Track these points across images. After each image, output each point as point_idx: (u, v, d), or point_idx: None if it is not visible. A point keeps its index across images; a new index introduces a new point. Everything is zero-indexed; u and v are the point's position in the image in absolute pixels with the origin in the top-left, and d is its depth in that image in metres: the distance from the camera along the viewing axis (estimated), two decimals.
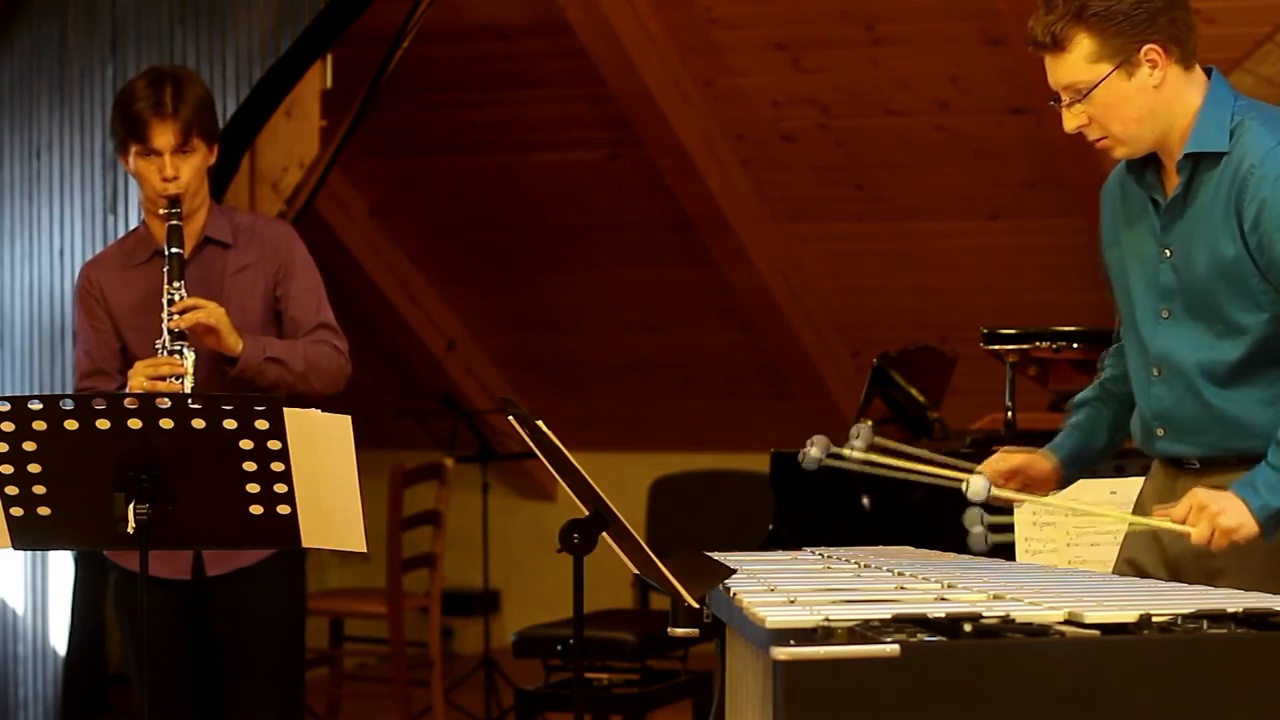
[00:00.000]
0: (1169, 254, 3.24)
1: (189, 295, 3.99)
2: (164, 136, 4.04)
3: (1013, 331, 5.17)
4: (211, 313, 3.97)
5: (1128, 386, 3.45)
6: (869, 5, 7.13)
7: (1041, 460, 3.43)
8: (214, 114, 4.18)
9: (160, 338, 3.97)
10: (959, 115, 7.33)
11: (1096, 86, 3.16)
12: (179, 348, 3.94)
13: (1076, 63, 3.17)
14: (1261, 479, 3.09)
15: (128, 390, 3.93)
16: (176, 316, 3.95)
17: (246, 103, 5.63)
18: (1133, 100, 3.17)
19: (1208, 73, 3.25)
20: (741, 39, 7.39)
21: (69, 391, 5.74)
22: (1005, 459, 3.41)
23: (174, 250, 4.02)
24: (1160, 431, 3.29)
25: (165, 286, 4.00)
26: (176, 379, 3.91)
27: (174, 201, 4.06)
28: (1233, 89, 3.25)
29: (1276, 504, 3.08)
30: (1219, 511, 3.08)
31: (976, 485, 3.24)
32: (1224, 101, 3.20)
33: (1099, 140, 3.23)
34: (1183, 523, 3.12)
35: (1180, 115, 3.20)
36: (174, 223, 4.05)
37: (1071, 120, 3.22)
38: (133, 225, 5.74)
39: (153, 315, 4.04)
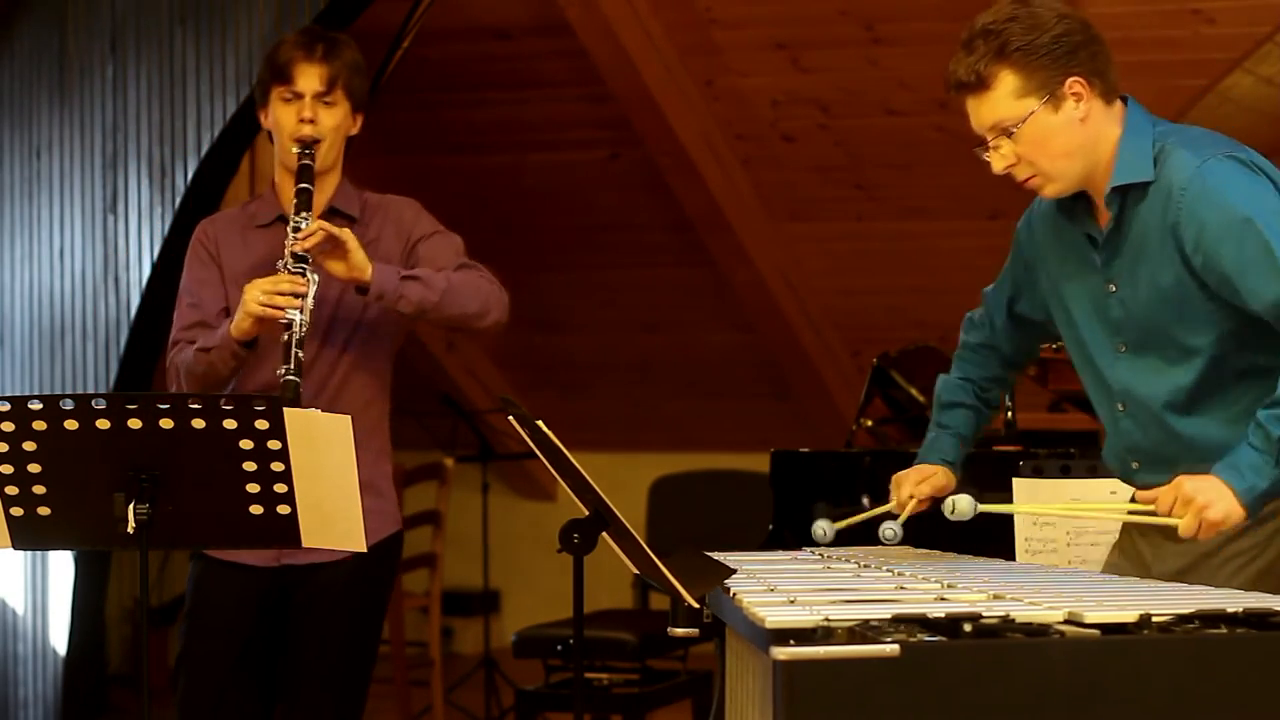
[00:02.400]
0: (1114, 289, 3.25)
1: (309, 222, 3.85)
2: (308, 79, 3.95)
3: None
4: (340, 232, 3.81)
5: (996, 391, 3.61)
6: (869, 5, 7.13)
7: (944, 476, 3.54)
8: (365, 80, 4.07)
9: (282, 261, 3.81)
10: (959, 115, 7.26)
11: (1024, 122, 3.17)
12: (301, 269, 3.79)
13: (1001, 99, 3.18)
14: (1245, 460, 3.07)
15: (244, 305, 3.78)
16: (300, 241, 3.80)
17: (246, 103, 5.63)
18: (1060, 134, 3.18)
19: (1125, 102, 3.26)
20: (741, 39, 7.40)
21: (70, 390, 5.76)
22: (916, 489, 3.50)
23: (303, 185, 3.89)
24: (1135, 464, 3.30)
25: (292, 217, 3.85)
26: (297, 297, 3.76)
27: (308, 144, 3.94)
28: (1150, 115, 3.25)
29: (1263, 485, 3.06)
30: (1205, 505, 3.05)
31: (963, 505, 3.27)
32: (1143, 129, 3.20)
33: (1028, 179, 3.23)
34: (1169, 514, 3.11)
35: (1104, 149, 3.20)
36: (306, 162, 3.92)
37: (999, 161, 3.23)
38: (132, 225, 5.76)
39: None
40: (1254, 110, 6.98)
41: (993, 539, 4.12)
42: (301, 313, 3.76)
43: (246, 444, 3.33)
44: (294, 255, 3.80)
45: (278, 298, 3.76)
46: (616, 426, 9.02)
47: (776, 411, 8.89)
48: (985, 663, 2.32)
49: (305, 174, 3.92)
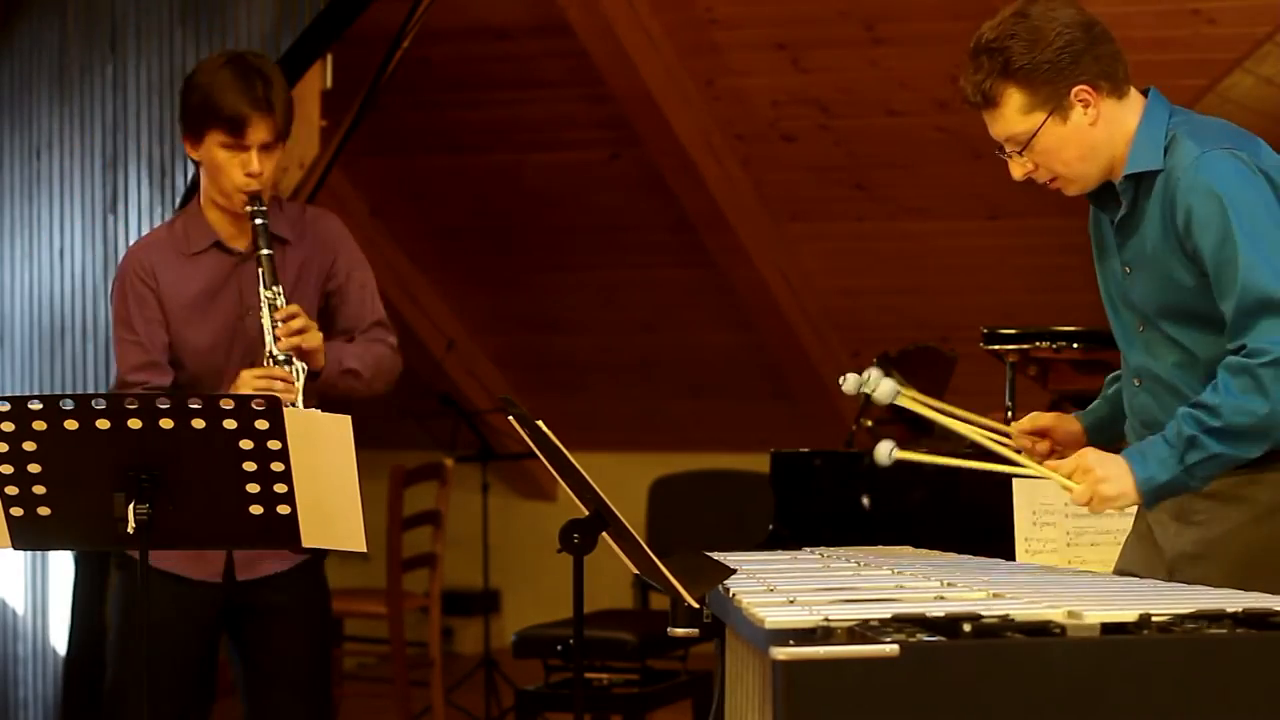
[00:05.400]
0: (1129, 271, 3.31)
1: (284, 300, 3.87)
2: (260, 133, 3.89)
3: (1013, 331, 5.17)
4: (314, 336, 3.89)
5: None
6: (869, 5, 7.13)
7: (1069, 423, 3.47)
8: (291, 101, 4.01)
9: (265, 351, 3.85)
10: (959, 115, 7.31)
11: (1034, 136, 3.22)
12: (287, 357, 3.83)
13: (1010, 116, 3.23)
14: (1153, 452, 3.15)
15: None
16: (281, 329, 3.83)
17: None
18: (1071, 142, 3.23)
19: (1146, 92, 3.30)
20: (741, 39, 7.39)
21: (70, 390, 5.75)
22: (1035, 419, 3.45)
23: (266, 252, 3.88)
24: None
25: (261, 291, 3.86)
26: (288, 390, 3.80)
27: (256, 198, 3.90)
28: (1169, 105, 3.29)
29: (1162, 479, 3.13)
30: (1102, 478, 3.15)
31: (884, 389, 3.24)
32: (1158, 120, 3.25)
33: (1050, 182, 3.30)
34: (1068, 477, 3.19)
35: (1121, 142, 3.25)
36: (260, 221, 3.89)
37: (1018, 169, 3.30)
38: (133, 225, 5.75)
39: (210, 310, 3.96)
40: (1254, 110, 6.98)
41: (993, 539, 4.13)
42: (296, 404, 3.79)
43: (246, 444, 3.33)
44: (275, 340, 3.84)
45: (274, 383, 3.80)
46: (616, 426, 9.02)
47: (776, 411, 8.89)
48: (985, 663, 2.32)
49: (264, 237, 3.90)
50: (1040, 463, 3.32)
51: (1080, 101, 3.21)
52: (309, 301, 4.03)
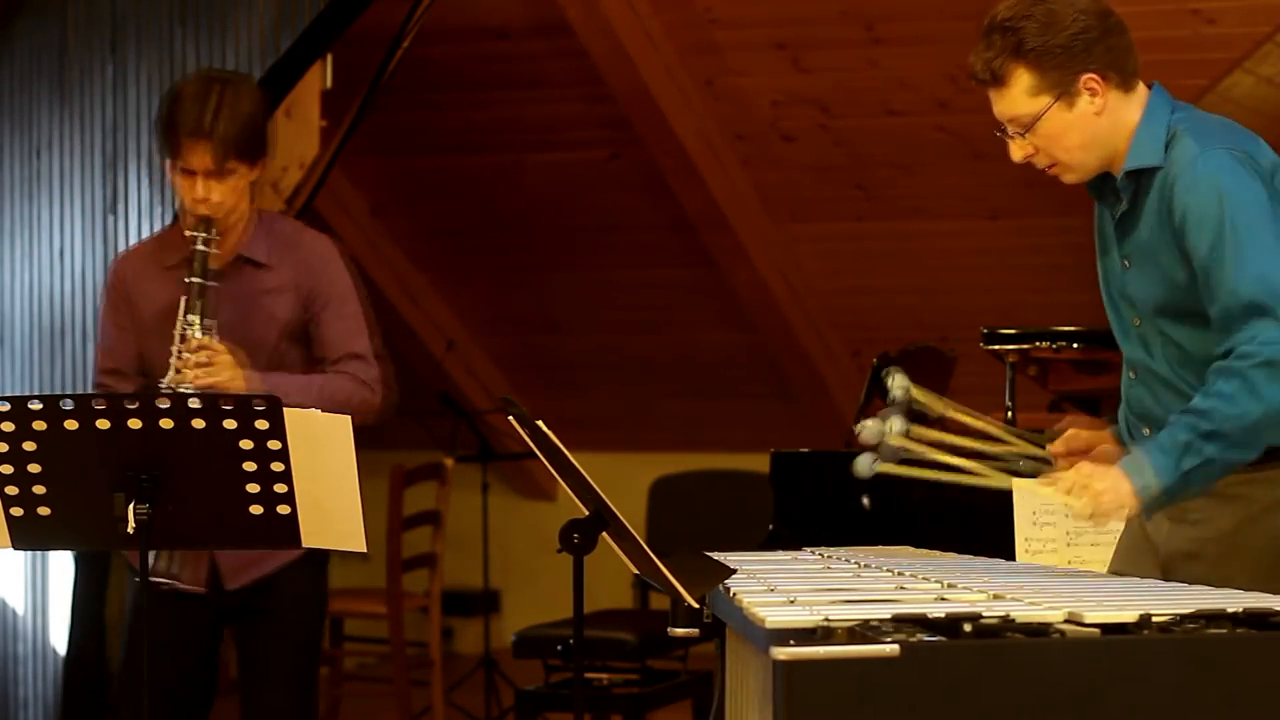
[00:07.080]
0: (1127, 265, 3.32)
1: (204, 331, 3.81)
2: (198, 158, 3.84)
3: (1013, 331, 5.17)
4: (220, 372, 3.80)
5: None
6: (869, 5, 7.13)
7: (1104, 439, 3.42)
8: (261, 130, 3.93)
9: (164, 383, 3.81)
10: (959, 115, 7.33)
11: (1039, 119, 3.22)
12: (185, 390, 3.74)
13: (1017, 97, 3.23)
14: (1148, 459, 3.12)
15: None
16: (191, 361, 3.79)
17: None
18: (1075, 129, 3.24)
19: (1151, 86, 3.31)
20: (741, 39, 7.39)
21: (70, 390, 5.75)
22: (1070, 441, 3.39)
23: (193, 280, 3.83)
24: (1146, 431, 3.33)
25: (180, 317, 3.84)
26: None
27: (204, 223, 3.86)
28: (1172, 100, 3.31)
29: (1159, 485, 3.10)
30: (1100, 491, 3.12)
31: (862, 465, 3.28)
32: (1160, 116, 3.27)
33: (1049, 167, 3.30)
34: (1068, 494, 3.17)
35: (1123, 135, 3.26)
36: (199, 248, 3.84)
37: (1018, 150, 3.29)
38: (133, 225, 5.76)
39: (172, 326, 3.88)
40: (1254, 110, 6.97)
41: (993, 539, 4.13)
42: None
43: (246, 444, 3.33)
44: (177, 372, 3.79)
45: None
46: (616, 426, 9.02)
47: (776, 411, 8.89)
48: (985, 663, 2.32)
49: (199, 263, 3.85)
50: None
51: (1088, 90, 3.22)
52: (274, 323, 3.98)
